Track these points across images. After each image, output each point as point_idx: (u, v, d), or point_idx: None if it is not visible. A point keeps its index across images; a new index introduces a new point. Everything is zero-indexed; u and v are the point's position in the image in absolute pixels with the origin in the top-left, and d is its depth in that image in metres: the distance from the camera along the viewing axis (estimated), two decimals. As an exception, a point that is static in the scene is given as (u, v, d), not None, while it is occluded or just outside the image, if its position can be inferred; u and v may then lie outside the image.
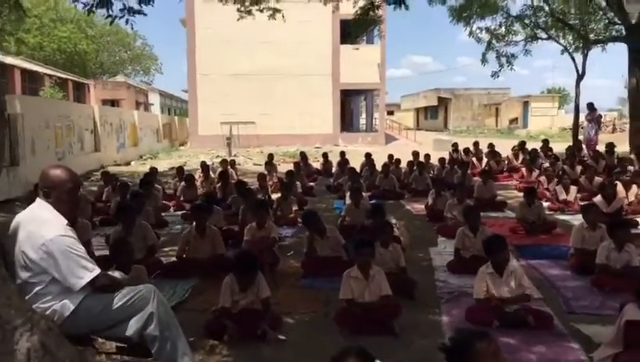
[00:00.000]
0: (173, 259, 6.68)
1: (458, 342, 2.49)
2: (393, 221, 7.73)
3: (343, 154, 16.20)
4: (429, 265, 6.71)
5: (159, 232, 8.01)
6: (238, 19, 12.51)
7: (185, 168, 14.70)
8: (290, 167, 14.43)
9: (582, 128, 19.24)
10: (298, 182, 11.62)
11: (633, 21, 15.34)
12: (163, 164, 20.05)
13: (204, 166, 13.19)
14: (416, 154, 15.55)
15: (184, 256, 6.50)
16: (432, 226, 8.86)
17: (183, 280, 6.02)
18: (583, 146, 17.23)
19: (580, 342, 4.27)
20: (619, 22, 16.09)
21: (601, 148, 15.87)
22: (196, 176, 12.25)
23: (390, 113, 52.24)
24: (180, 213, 10.32)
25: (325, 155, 17.61)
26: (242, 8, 12.26)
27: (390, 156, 15.20)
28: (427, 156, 15.18)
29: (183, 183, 11.46)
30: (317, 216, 6.64)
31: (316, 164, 17.81)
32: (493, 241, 4.93)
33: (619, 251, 5.62)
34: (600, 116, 18.93)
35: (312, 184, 13.94)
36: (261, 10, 12.25)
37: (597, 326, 4.53)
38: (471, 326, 4.51)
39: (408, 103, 55.99)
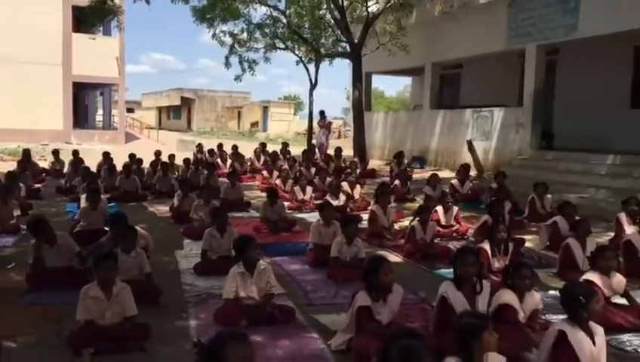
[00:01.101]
0: None
1: (211, 345, 2.40)
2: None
3: (76, 153, 14.80)
4: (175, 269, 6.49)
5: None
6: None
7: None
8: (11, 166, 12.57)
9: (314, 133, 21.14)
10: (22, 184, 10.19)
11: (356, 40, 17.43)
12: None
13: None
14: (158, 153, 15.04)
15: None
16: (178, 228, 8.63)
17: None
18: (317, 150, 18.92)
19: (318, 331, 4.57)
20: (345, 40, 18.08)
21: (331, 152, 17.61)
22: None
23: (130, 111, 49.58)
24: None
25: (55, 153, 15.83)
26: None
27: (131, 156, 14.41)
28: (171, 156, 14.83)
29: None
30: (45, 222, 5.84)
31: (44, 163, 15.90)
32: (244, 241, 4.97)
33: (349, 245, 6.23)
34: (330, 123, 21.04)
35: (38, 185, 12.42)
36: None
37: (333, 315, 4.90)
38: (220, 328, 4.45)
39: (150, 102, 54.08)
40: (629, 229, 7.24)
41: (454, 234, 8.39)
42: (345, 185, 10.85)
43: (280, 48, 19.68)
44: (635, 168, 11.09)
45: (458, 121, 16.41)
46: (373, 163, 18.20)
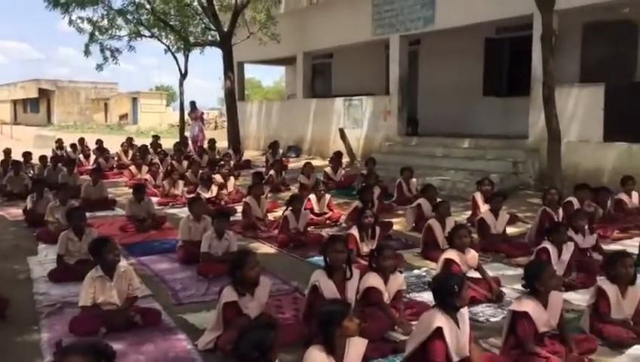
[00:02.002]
0: None
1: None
2: None
3: None
4: (27, 278, 5.91)
5: None
6: None
7: None
8: None
9: (187, 125, 20.47)
10: None
11: (225, 29, 17.07)
12: None
13: None
14: (7, 152, 13.72)
15: None
16: (32, 232, 7.89)
17: None
18: (190, 142, 18.34)
19: (186, 331, 4.38)
20: (214, 28, 17.63)
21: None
22: None
23: (-20, 105, 44.99)
24: None
25: None
26: None
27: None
28: (27, 154, 13.54)
29: None
30: None
31: None
32: (100, 243, 4.63)
33: (219, 239, 6.07)
34: (202, 113, 20.46)
35: None
36: None
37: (203, 313, 4.74)
38: (76, 339, 4.10)
39: (3, 94, 49.26)
40: (483, 208, 7.82)
41: (327, 221, 8.54)
42: (218, 177, 10.61)
43: (145, 36, 18.75)
44: (488, 150, 12.03)
45: (330, 110, 16.74)
46: (249, 153, 18.05)
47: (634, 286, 4.26)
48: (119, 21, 17.77)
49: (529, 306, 3.65)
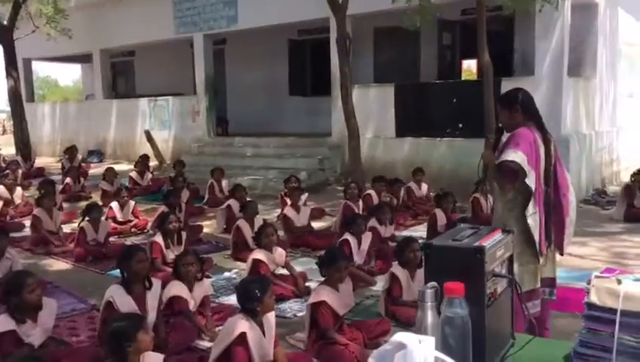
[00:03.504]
0: None
1: None
2: None
3: None
4: None
5: None
6: None
7: None
8: None
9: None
10: None
11: (5, 22, 15.14)
12: None
13: None
14: None
15: None
16: None
17: None
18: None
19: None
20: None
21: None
22: None
23: None
24: None
25: None
26: None
27: None
28: None
29: None
30: None
31: None
32: None
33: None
34: None
35: None
36: None
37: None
38: None
39: None
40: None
41: (133, 229, 8.04)
42: (1, 188, 9.34)
43: None
44: (296, 148, 12.43)
45: (134, 111, 15.84)
46: (43, 160, 16.28)
47: (421, 269, 4.67)
48: None
49: (325, 294, 3.80)
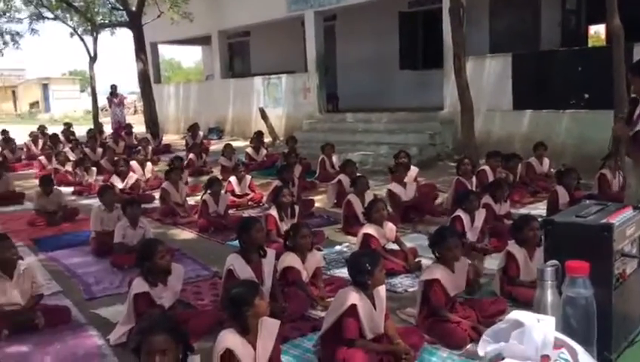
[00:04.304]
0: None
1: None
2: None
3: None
4: None
5: None
6: None
7: None
8: None
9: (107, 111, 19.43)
10: None
11: (134, 9, 16.29)
12: None
13: None
14: None
15: None
16: None
17: None
18: (105, 129, 17.43)
19: (98, 327, 4.19)
20: (121, 8, 16.78)
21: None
22: None
23: None
24: None
25: None
26: None
27: None
28: None
29: None
30: None
31: None
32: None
33: (134, 228, 5.83)
34: (123, 98, 19.48)
35: None
36: None
37: (116, 306, 4.52)
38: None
39: None
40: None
41: (249, 202, 8.43)
42: (134, 163, 10.19)
43: (48, 18, 17.59)
44: (406, 123, 12.27)
45: (250, 90, 16.46)
46: (169, 138, 17.50)
47: (540, 248, 4.47)
48: (18, 3, 16.56)
49: (438, 273, 3.75)
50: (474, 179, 7.49)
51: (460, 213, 5.52)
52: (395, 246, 5.38)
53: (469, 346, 3.50)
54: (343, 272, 5.06)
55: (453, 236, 3.97)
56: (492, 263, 5.17)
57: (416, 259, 5.22)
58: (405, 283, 4.84)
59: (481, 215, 5.60)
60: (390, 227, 5.29)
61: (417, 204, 7.15)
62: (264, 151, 11.98)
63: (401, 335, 3.46)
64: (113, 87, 17.98)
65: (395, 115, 12.72)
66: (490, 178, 7.55)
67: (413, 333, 3.57)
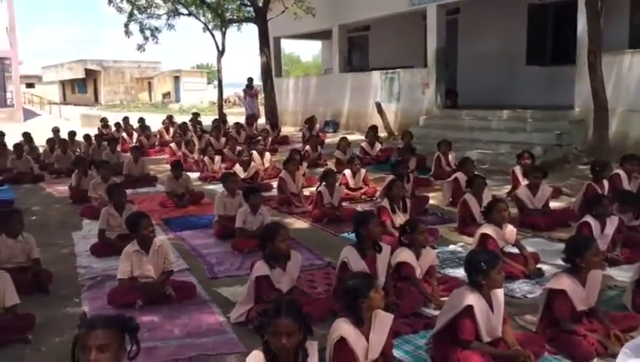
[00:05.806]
0: None
1: None
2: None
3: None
4: (71, 252, 6.11)
5: None
6: None
7: None
8: None
9: (237, 101, 20.40)
10: None
11: (260, 4, 16.96)
12: None
13: None
14: (56, 130, 14.16)
15: None
16: (77, 209, 8.14)
17: None
18: (237, 119, 18.32)
19: (220, 304, 4.46)
20: (249, 4, 17.54)
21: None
22: None
23: (30, 86, 46.45)
24: None
25: None
26: None
27: (26, 134, 13.49)
28: (72, 133, 13.95)
29: None
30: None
31: None
32: (136, 218, 4.73)
33: (254, 214, 6.11)
34: (257, 90, 20.40)
35: None
36: None
37: (236, 287, 4.80)
38: (113, 311, 4.23)
39: (51, 75, 50.60)
40: (523, 182, 7.57)
41: (362, 196, 8.47)
42: (254, 153, 10.65)
43: (183, 14, 18.86)
44: (529, 122, 11.65)
45: (367, 84, 16.51)
46: (287, 129, 18.05)
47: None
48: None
49: (566, 284, 3.52)
50: (605, 183, 6.95)
51: (589, 218, 5.15)
52: (514, 250, 5.16)
53: (594, 361, 3.28)
54: (457, 272, 4.95)
55: (594, 246, 3.64)
56: (620, 274, 4.81)
57: (537, 265, 4.97)
58: (524, 288, 4.62)
59: (613, 222, 5.20)
60: (510, 229, 5.07)
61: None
62: (379, 146, 11.97)
63: (520, 341, 3.32)
64: (250, 80, 18.74)
65: (516, 113, 12.13)
66: (625, 184, 6.97)
67: (533, 341, 3.41)
